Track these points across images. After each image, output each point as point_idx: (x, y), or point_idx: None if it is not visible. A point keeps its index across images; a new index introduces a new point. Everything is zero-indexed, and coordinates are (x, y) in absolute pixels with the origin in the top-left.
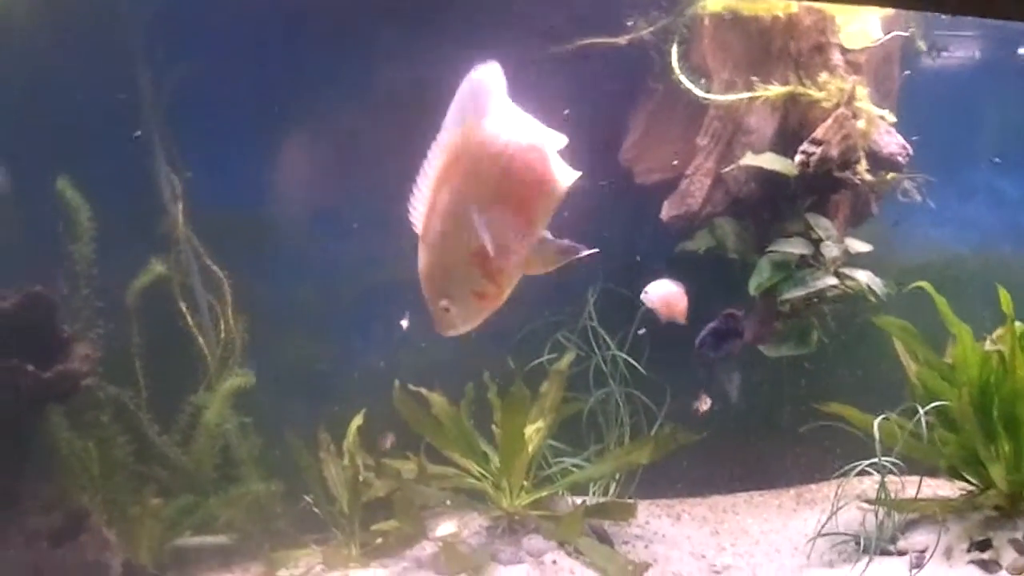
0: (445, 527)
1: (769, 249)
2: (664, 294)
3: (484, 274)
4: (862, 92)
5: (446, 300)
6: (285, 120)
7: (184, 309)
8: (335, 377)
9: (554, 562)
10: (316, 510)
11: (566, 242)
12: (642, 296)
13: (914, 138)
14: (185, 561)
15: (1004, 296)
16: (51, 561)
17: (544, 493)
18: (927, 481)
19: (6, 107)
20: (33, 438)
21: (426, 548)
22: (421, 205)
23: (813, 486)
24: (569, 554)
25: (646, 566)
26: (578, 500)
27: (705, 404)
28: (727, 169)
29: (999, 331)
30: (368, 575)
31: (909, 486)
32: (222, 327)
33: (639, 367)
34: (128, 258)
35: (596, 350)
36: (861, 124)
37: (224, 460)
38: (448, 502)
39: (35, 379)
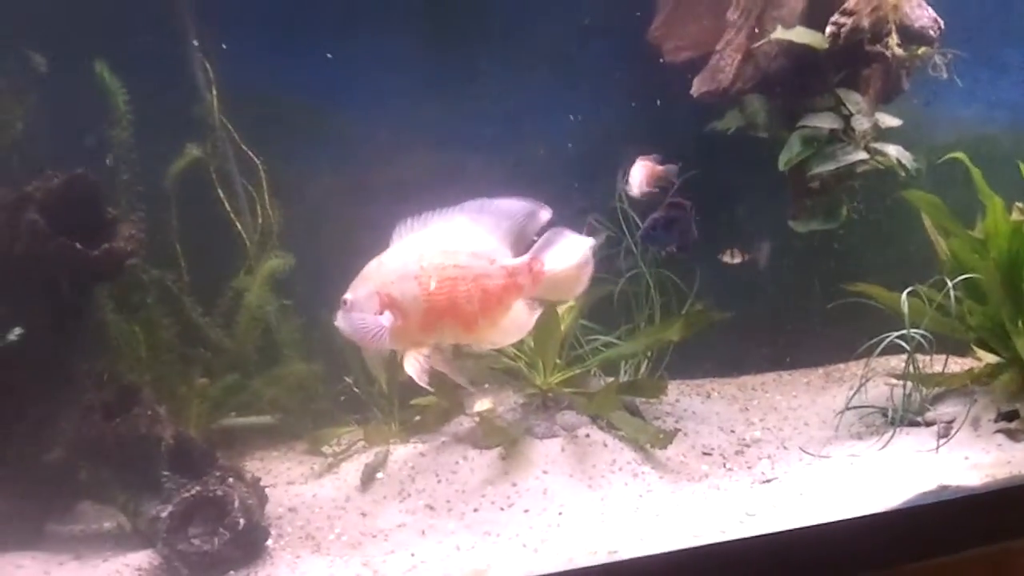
0: (481, 403)
1: (799, 124)
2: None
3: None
4: None
5: (350, 298)
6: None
7: (221, 194)
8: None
9: (587, 436)
10: (356, 390)
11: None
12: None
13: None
14: (232, 439)
15: None
16: (105, 433)
17: (576, 371)
18: (955, 359)
19: None
20: (83, 317)
21: (463, 423)
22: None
23: (842, 365)
24: (601, 428)
25: (675, 432)
26: (609, 379)
27: (735, 257)
28: (757, 44)
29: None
30: (408, 450)
31: (937, 364)
32: (259, 212)
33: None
34: (166, 143)
35: (627, 232)
36: None
37: (266, 342)
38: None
39: (83, 257)
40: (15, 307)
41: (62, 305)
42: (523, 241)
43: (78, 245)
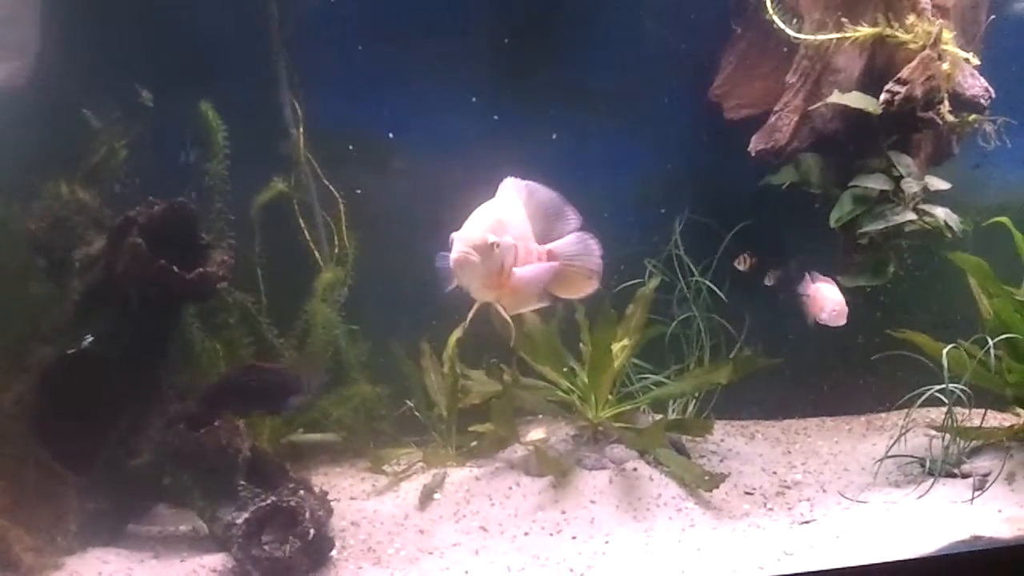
0: (535, 433)
1: (851, 184)
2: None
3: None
4: (948, 35)
5: (500, 241)
6: (403, 47)
7: (302, 224)
8: (437, 293)
9: (635, 469)
10: (417, 414)
11: None
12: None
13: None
14: (300, 455)
15: None
16: (188, 443)
17: (627, 407)
18: (993, 413)
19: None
20: (172, 334)
21: (517, 451)
22: None
23: (883, 414)
24: (649, 463)
25: (723, 477)
26: (658, 416)
27: (744, 263)
28: (815, 106)
29: None
30: (464, 473)
31: (976, 418)
32: (336, 242)
33: (720, 294)
34: (253, 176)
35: (680, 277)
36: (946, 66)
37: (335, 364)
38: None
39: (179, 279)
40: (112, 322)
41: (154, 322)
42: (547, 234)
43: (175, 268)
